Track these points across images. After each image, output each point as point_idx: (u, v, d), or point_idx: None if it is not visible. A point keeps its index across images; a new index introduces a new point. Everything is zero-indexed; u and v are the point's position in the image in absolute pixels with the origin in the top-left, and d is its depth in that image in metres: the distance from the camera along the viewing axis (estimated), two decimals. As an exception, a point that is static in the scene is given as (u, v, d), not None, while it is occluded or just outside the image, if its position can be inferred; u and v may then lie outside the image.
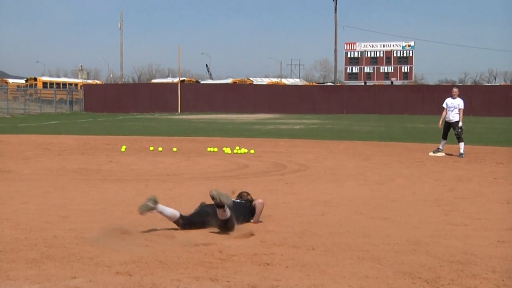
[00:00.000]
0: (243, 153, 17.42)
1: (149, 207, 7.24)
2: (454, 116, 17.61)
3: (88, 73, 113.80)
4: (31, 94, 60.99)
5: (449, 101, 17.79)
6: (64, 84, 74.91)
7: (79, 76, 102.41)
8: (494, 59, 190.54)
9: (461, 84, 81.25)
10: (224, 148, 18.26)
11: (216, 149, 18.27)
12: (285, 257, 6.24)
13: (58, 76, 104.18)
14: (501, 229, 7.74)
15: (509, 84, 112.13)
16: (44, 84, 70.72)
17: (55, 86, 71.39)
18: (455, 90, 17.91)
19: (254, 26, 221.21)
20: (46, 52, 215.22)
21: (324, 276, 5.60)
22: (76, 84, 76.30)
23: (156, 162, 15.43)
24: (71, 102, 59.11)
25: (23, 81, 75.53)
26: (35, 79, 72.28)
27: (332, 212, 8.87)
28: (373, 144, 21.68)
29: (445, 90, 56.36)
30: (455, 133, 17.46)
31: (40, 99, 56.69)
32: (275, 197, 10.13)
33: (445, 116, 17.77)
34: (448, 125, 17.79)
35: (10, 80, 78.06)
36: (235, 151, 17.73)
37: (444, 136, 17.77)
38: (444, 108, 17.81)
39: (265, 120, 42.74)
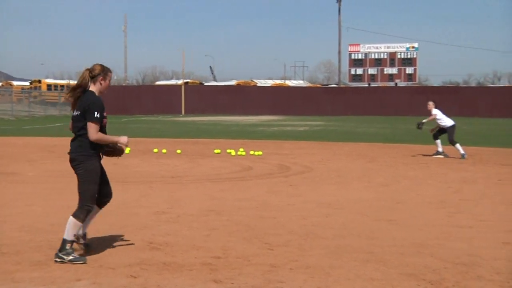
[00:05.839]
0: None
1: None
2: (443, 122, 17.72)
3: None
4: (35, 96, 60.98)
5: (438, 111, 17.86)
6: (69, 86, 75.05)
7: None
8: (499, 60, 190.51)
9: (465, 86, 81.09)
10: (228, 150, 18.26)
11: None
12: (290, 259, 6.24)
13: (63, 78, 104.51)
14: (506, 230, 7.73)
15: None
16: (49, 86, 70.89)
17: (59, 88, 71.53)
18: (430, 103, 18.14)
19: (258, 28, 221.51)
20: (50, 55, 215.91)
21: (329, 278, 5.59)
22: (80, 86, 76.13)
23: (160, 164, 15.43)
24: (75, 104, 59.07)
25: (27, 83, 75.69)
26: (40, 81, 72.43)
27: (336, 214, 8.87)
28: (378, 146, 21.65)
29: (449, 92, 56.43)
30: (449, 140, 17.45)
31: (45, 101, 56.74)
32: (279, 199, 10.12)
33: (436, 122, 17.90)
34: (441, 130, 17.86)
35: (15, 83, 78.23)
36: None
37: (435, 138, 17.86)
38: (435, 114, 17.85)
39: (269, 122, 42.73)
